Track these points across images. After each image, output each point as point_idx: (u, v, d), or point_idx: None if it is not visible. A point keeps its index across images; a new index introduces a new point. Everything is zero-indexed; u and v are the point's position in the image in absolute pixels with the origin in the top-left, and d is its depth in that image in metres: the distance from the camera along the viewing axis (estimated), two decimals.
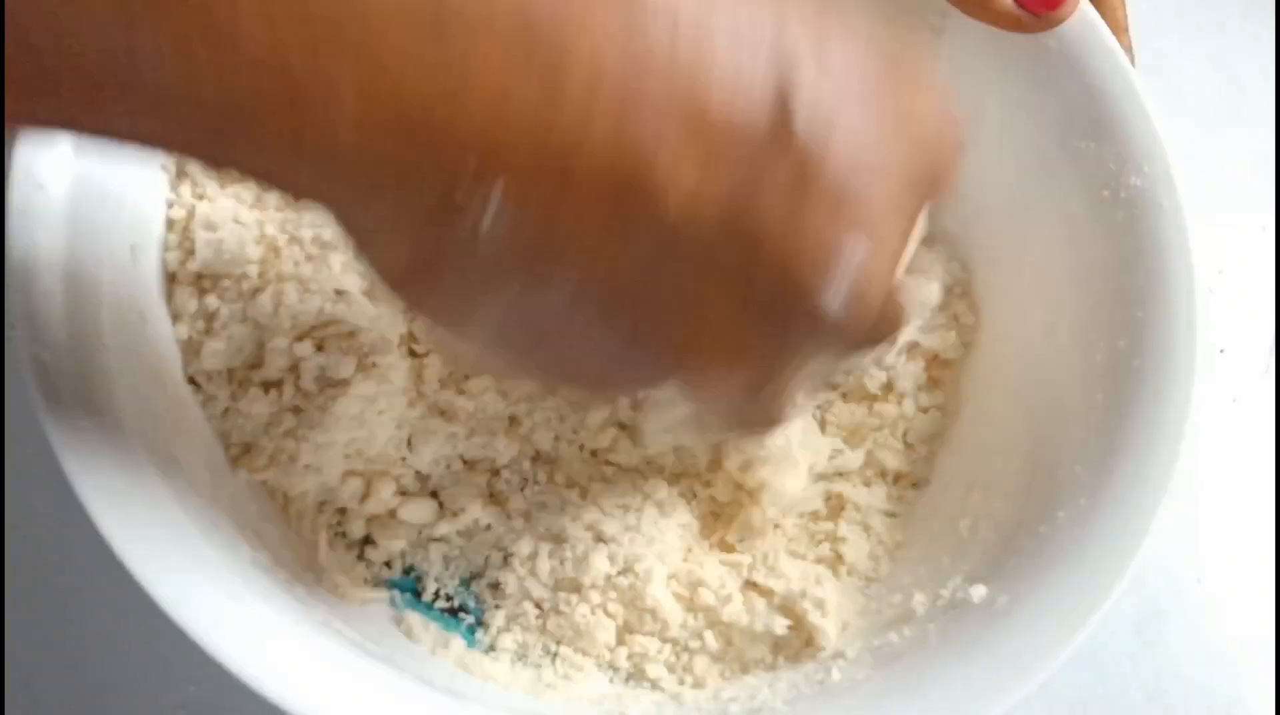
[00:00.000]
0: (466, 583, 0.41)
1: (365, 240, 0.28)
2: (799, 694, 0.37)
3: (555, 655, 0.40)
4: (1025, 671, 0.34)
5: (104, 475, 0.33)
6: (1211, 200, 0.45)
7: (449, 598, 0.41)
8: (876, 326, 0.30)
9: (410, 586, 0.41)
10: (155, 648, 0.41)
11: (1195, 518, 0.48)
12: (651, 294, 0.27)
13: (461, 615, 0.41)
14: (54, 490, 0.33)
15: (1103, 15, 0.40)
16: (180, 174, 0.41)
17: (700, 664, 0.39)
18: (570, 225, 0.26)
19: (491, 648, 0.40)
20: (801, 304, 0.28)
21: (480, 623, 0.41)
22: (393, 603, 0.41)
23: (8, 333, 0.34)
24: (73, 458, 0.33)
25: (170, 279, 0.40)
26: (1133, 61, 0.40)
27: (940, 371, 0.44)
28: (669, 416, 0.39)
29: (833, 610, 0.40)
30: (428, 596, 0.41)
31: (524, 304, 0.28)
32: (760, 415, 0.34)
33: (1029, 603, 0.35)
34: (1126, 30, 0.41)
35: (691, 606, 0.40)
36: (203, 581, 0.33)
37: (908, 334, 0.40)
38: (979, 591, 0.36)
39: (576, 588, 0.40)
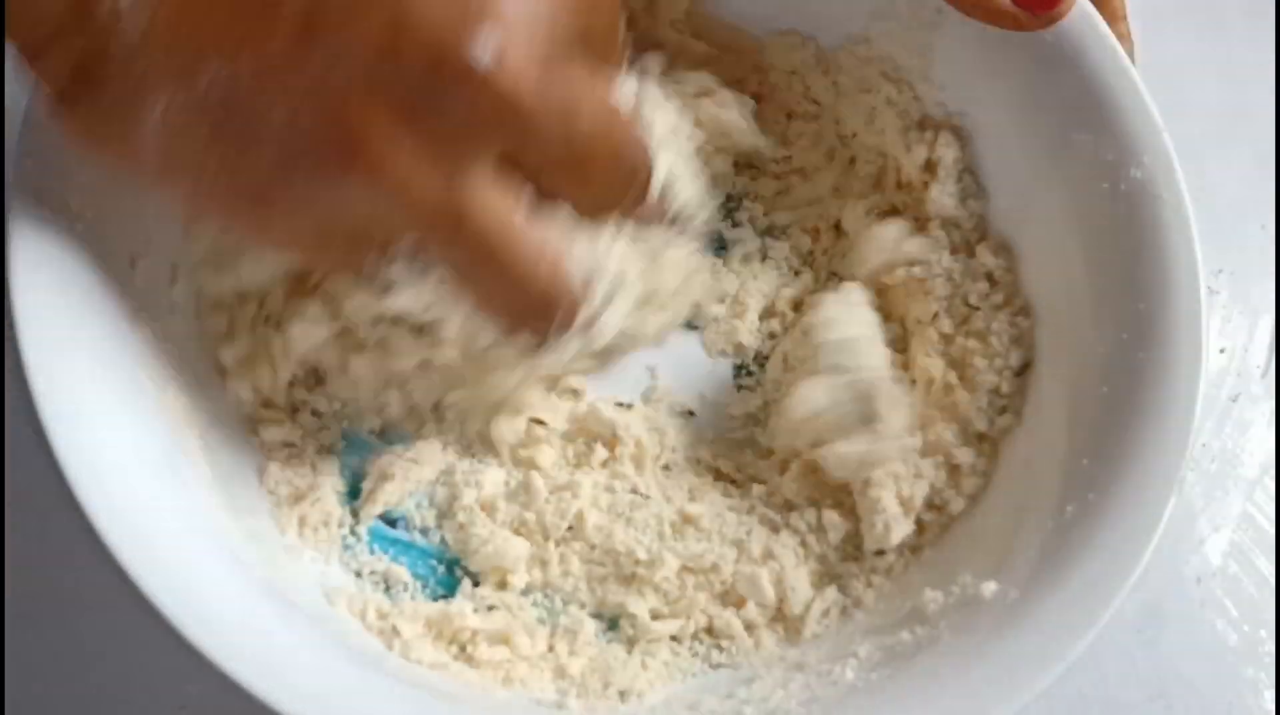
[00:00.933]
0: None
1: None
2: (813, 695, 0.36)
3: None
4: (1039, 667, 0.34)
5: (109, 486, 0.33)
6: (1211, 200, 0.45)
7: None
8: (607, 167, 0.34)
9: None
10: (155, 648, 0.40)
11: (1195, 517, 0.48)
12: (299, 77, 0.29)
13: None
14: (54, 490, 0.32)
15: (1100, 5, 0.40)
16: None
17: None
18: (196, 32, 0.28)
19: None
20: (446, 64, 0.30)
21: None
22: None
23: (7, 333, 0.34)
24: (77, 468, 0.33)
25: None
26: (1131, 52, 0.40)
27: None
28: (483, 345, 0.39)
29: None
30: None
31: (182, 108, 0.30)
32: (531, 288, 0.35)
33: (1040, 598, 0.35)
34: (1124, 18, 0.41)
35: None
36: (212, 598, 0.33)
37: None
38: (990, 588, 0.36)
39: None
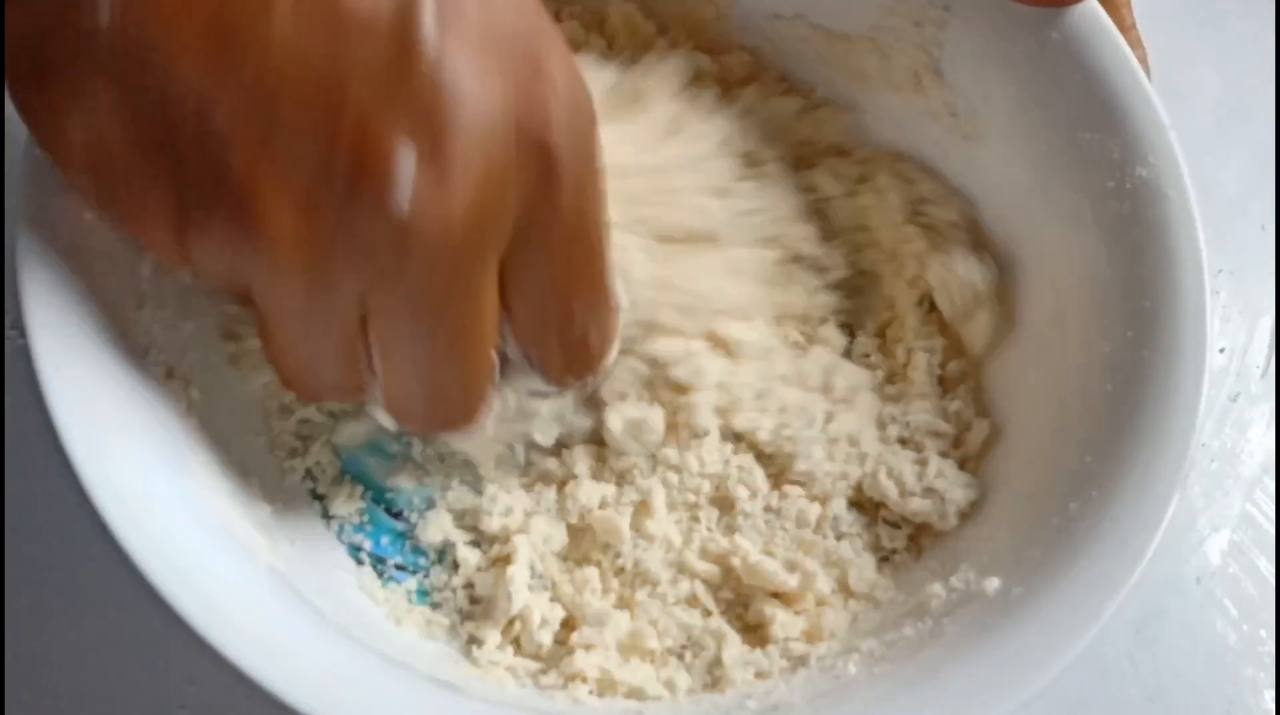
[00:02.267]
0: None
1: None
2: (816, 690, 0.36)
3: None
4: (1041, 663, 0.34)
5: (118, 482, 0.33)
6: (1211, 200, 0.46)
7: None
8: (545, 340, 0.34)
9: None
10: (155, 647, 0.40)
11: (1195, 517, 0.48)
12: (235, 120, 0.29)
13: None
14: (54, 490, 0.32)
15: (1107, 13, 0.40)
16: None
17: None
18: (163, 37, 0.29)
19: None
20: (364, 184, 0.29)
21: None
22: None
23: (8, 333, 0.34)
24: (86, 463, 0.32)
25: None
26: (1146, 65, 0.40)
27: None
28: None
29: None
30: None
31: (122, 110, 0.30)
32: (449, 404, 0.35)
33: (1043, 594, 0.35)
34: (1133, 27, 0.41)
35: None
36: (217, 583, 0.33)
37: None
38: (992, 584, 0.36)
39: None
